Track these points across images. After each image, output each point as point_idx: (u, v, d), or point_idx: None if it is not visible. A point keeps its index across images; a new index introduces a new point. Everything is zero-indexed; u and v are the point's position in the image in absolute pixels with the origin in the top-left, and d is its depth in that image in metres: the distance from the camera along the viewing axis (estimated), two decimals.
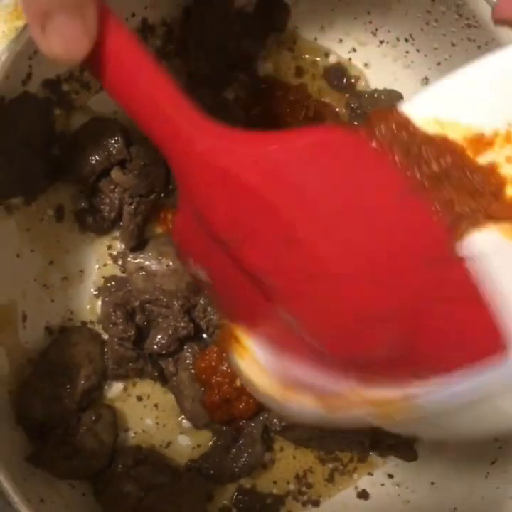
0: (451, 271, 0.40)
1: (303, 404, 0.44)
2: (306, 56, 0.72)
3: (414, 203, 0.39)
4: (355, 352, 0.42)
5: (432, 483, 0.69)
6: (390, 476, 0.71)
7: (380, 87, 0.71)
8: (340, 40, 0.72)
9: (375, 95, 0.71)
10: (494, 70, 0.42)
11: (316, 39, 0.71)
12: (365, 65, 0.72)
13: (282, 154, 0.39)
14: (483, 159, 0.40)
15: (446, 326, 0.41)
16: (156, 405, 0.68)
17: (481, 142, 0.40)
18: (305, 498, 0.71)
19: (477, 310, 0.40)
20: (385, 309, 0.40)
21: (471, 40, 0.62)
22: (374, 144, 0.39)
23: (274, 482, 0.70)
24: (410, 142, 0.39)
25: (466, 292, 0.40)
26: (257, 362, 0.48)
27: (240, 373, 0.50)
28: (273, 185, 0.39)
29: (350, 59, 0.72)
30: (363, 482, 0.72)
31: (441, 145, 0.39)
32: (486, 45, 0.60)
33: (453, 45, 0.64)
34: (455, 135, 0.40)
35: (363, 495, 0.71)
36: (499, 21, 0.50)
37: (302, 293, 0.41)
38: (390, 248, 0.39)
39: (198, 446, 0.68)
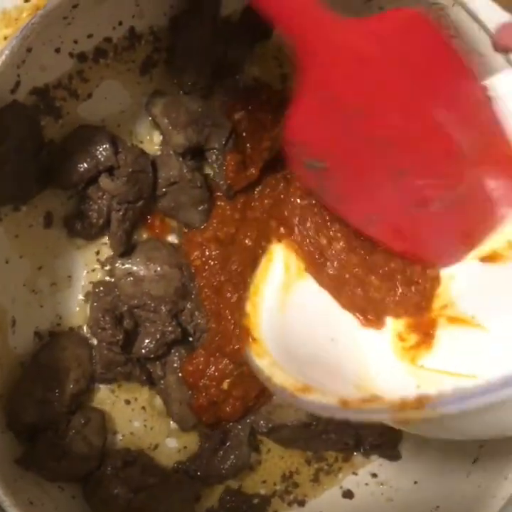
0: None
1: (317, 400, 0.49)
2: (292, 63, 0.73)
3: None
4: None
5: (415, 482, 0.70)
6: (374, 475, 0.73)
7: None
8: None
9: None
10: None
11: None
12: None
13: (385, 28, 0.51)
14: None
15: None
16: (143, 408, 0.69)
17: None
18: (291, 498, 0.72)
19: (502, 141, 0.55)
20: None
21: None
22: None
23: (261, 483, 0.71)
24: None
25: (494, 129, 0.55)
26: (274, 361, 0.54)
27: (258, 371, 0.54)
28: (383, 51, 0.50)
29: None
30: (348, 482, 0.73)
31: None
32: (467, 55, 0.62)
33: None
34: None
35: (348, 494, 0.72)
36: (500, 49, 0.55)
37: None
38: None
39: (186, 448, 0.69)
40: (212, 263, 0.67)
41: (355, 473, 0.73)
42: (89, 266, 0.68)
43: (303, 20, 0.49)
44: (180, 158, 0.66)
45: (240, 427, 0.68)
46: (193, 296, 0.67)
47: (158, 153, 0.68)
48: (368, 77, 0.51)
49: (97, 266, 0.68)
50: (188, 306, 0.67)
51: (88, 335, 0.67)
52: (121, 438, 0.68)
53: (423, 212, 0.57)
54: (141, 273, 0.66)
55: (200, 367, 0.66)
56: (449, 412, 0.42)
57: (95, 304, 0.66)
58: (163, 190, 0.67)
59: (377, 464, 0.73)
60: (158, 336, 0.65)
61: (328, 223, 0.61)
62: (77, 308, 0.68)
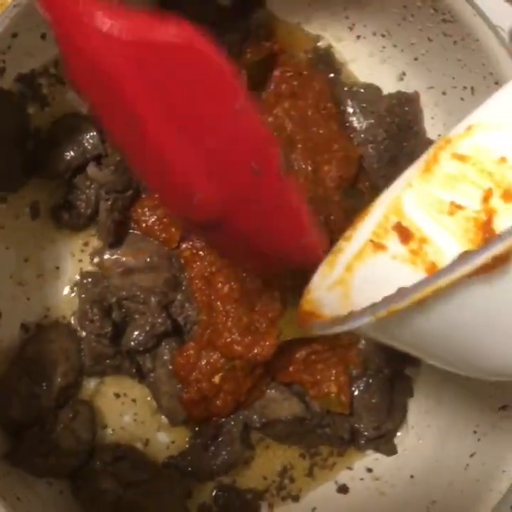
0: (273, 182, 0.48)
1: None
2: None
3: (250, 117, 0.46)
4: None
5: (411, 477, 0.69)
6: (369, 470, 0.72)
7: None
8: (317, 36, 0.71)
9: (354, 89, 0.70)
10: None
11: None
12: (343, 60, 0.72)
13: (148, 48, 0.41)
14: None
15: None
16: (134, 402, 0.68)
17: None
18: (285, 493, 0.71)
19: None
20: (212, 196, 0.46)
21: (447, 35, 0.62)
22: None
23: (255, 478, 0.70)
24: None
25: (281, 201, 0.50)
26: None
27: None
28: (130, 69, 0.41)
29: None
30: (343, 476, 0.72)
31: None
32: (463, 40, 0.61)
33: (429, 40, 0.64)
34: None
35: (343, 489, 0.71)
36: None
37: (146, 166, 0.47)
38: (223, 146, 0.45)
39: (177, 443, 0.68)
40: (202, 254, 0.66)
41: (350, 468, 0.72)
42: (77, 257, 0.67)
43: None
44: None
45: (232, 422, 0.67)
46: (183, 288, 0.66)
47: None
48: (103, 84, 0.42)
49: (86, 257, 0.67)
50: (179, 297, 0.66)
51: (76, 327, 0.66)
52: (111, 432, 0.67)
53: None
54: (131, 264, 0.65)
55: (191, 360, 0.64)
56: None
57: (83, 295, 0.64)
58: None
59: (372, 458, 0.72)
60: (147, 328, 0.64)
61: None
62: (65, 300, 0.67)
